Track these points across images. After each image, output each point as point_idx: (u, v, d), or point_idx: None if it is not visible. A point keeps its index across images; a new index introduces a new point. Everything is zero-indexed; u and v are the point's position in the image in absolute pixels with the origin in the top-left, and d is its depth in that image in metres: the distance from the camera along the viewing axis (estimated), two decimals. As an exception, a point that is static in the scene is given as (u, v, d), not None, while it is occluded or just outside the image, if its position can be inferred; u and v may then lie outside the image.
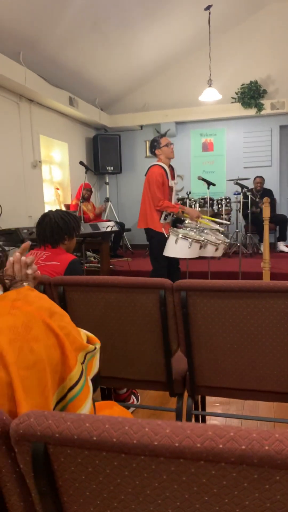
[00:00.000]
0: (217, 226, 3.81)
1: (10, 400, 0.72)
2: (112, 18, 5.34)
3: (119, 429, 0.57)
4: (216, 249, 3.59)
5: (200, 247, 3.52)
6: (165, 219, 3.92)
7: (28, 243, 1.40)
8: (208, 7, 5.78)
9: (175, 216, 4.02)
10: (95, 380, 0.99)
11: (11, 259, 1.36)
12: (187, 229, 3.54)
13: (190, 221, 3.86)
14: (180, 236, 3.46)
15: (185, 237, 3.46)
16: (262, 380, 1.75)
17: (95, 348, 0.98)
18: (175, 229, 3.66)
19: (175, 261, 4.06)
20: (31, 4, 4.47)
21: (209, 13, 5.87)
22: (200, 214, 4.06)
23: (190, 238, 3.45)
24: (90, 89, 6.92)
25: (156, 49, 6.67)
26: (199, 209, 6.54)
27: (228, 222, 4.74)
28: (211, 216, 6.36)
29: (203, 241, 3.50)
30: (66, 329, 0.86)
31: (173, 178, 4.06)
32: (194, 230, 3.52)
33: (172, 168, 4.06)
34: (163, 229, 3.85)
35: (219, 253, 3.65)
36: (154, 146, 3.98)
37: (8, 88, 5.39)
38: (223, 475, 0.56)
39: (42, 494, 0.64)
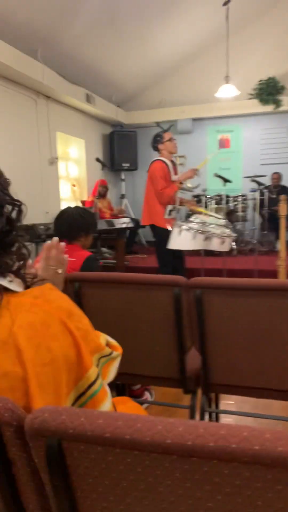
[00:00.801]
0: (220, 221, 3.72)
1: (25, 395, 0.73)
2: (129, 14, 5.33)
3: (132, 426, 0.57)
4: (223, 242, 3.53)
5: (205, 238, 3.46)
6: (169, 214, 3.91)
7: (57, 239, 1.49)
8: (226, 3, 5.71)
9: (178, 210, 3.98)
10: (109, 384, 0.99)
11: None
12: (192, 223, 3.48)
13: (195, 216, 3.81)
14: (184, 227, 3.43)
15: (189, 228, 3.42)
16: (276, 379, 1.74)
17: (112, 352, 0.97)
18: (179, 222, 3.62)
19: (180, 260, 4.05)
20: (48, 1, 4.49)
21: (228, 9, 5.80)
22: (195, 170, 4.01)
23: (193, 229, 3.41)
24: (106, 86, 6.93)
25: (173, 45, 6.63)
26: (215, 206, 6.50)
27: (222, 219, 4.69)
28: (226, 213, 6.32)
29: (207, 232, 3.45)
30: (83, 330, 0.86)
31: (175, 173, 4.05)
32: (200, 224, 3.46)
33: (174, 163, 4.05)
34: (167, 224, 3.83)
35: (225, 247, 3.58)
36: (157, 141, 3.98)
37: (26, 85, 5.43)
38: (236, 475, 0.56)
39: (56, 488, 0.64)
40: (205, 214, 3.95)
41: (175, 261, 4.00)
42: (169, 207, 3.90)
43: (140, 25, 5.67)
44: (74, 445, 0.61)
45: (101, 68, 6.33)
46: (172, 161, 4.03)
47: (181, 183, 3.92)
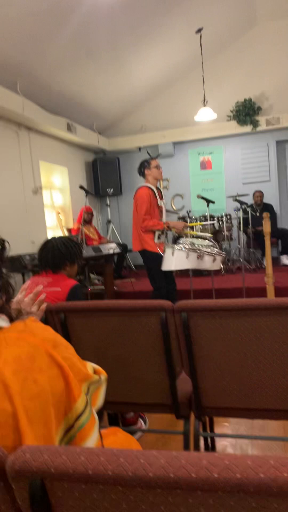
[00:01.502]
0: (207, 242, 3.79)
1: (14, 432, 0.73)
2: (104, 45, 5.47)
3: (114, 461, 0.57)
4: (214, 260, 3.56)
5: (198, 257, 3.49)
6: (159, 238, 3.95)
7: (40, 287, 1.49)
8: (199, 30, 5.91)
9: (166, 234, 4.05)
10: (98, 412, 0.98)
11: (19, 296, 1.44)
12: (181, 244, 3.52)
13: (184, 239, 3.86)
14: (176, 247, 3.46)
15: (181, 248, 3.45)
16: (269, 399, 1.73)
17: (100, 378, 0.97)
18: (170, 244, 3.64)
19: (171, 282, 4.08)
20: (24, 34, 4.60)
21: (200, 36, 6.00)
22: (186, 224, 4.12)
23: (186, 248, 3.43)
24: (87, 114, 7.05)
25: (150, 72, 6.80)
26: (201, 226, 6.57)
27: (210, 235, 4.73)
28: (212, 233, 6.38)
29: (199, 250, 3.48)
30: (70, 360, 0.86)
31: (161, 197, 4.11)
32: (189, 245, 3.51)
33: (158, 189, 4.13)
34: (157, 248, 3.87)
35: (217, 265, 3.62)
36: (144, 166, 4.06)
37: (7, 117, 5.50)
38: (221, 504, 0.56)
39: (41, 530, 0.63)
40: (193, 236, 4.01)
41: (167, 284, 4.02)
42: (157, 231, 3.93)
43: (115, 55, 5.82)
44: (57, 484, 0.61)
45: (80, 97, 6.45)
46: (157, 188, 4.09)
47: (168, 227, 3.97)
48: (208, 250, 3.54)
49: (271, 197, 7.35)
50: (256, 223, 6.47)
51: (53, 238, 2.31)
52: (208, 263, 3.56)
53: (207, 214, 5.66)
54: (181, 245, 3.46)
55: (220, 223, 6.63)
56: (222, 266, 6.22)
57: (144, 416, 2.50)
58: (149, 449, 1.66)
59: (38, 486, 0.60)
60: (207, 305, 1.66)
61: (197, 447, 1.86)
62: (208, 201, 5.10)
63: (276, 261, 6.45)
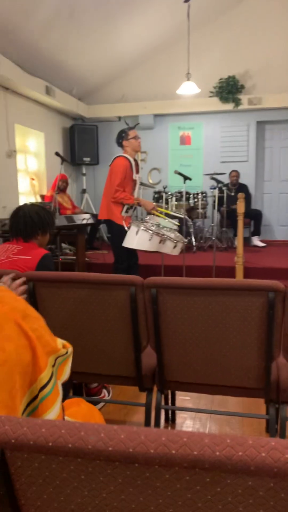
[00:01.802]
0: (173, 226, 3.81)
1: None
2: (90, 9, 5.26)
3: (75, 435, 0.57)
4: (175, 246, 3.58)
5: (160, 241, 3.50)
6: (126, 212, 3.93)
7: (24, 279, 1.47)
8: (187, 0, 5.75)
9: (134, 208, 4.02)
10: (65, 386, 0.99)
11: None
12: (147, 224, 3.52)
13: (149, 217, 3.85)
14: (142, 227, 3.45)
15: (146, 229, 3.45)
16: (230, 376, 1.79)
17: (67, 352, 0.98)
18: (137, 221, 3.62)
19: (134, 257, 4.09)
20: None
21: (189, 6, 5.84)
22: (155, 206, 4.08)
23: (151, 230, 3.43)
24: (67, 79, 6.82)
25: (135, 41, 6.61)
26: (176, 202, 6.56)
27: (181, 216, 4.72)
28: (186, 210, 6.39)
29: (163, 235, 3.49)
30: (38, 331, 0.86)
31: (137, 171, 4.06)
32: (154, 226, 3.51)
33: (136, 162, 4.06)
34: (123, 221, 3.85)
35: (176, 251, 3.65)
36: (122, 137, 3.98)
37: (-17, 75, 5.26)
38: (176, 479, 0.58)
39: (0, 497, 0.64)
40: (161, 217, 4.00)
41: (129, 258, 4.02)
42: (127, 205, 3.91)
43: (100, 19, 5.61)
44: (17, 454, 0.61)
45: (61, 60, 6.23)
46: (135, 160, 4.02)
47: (138, 204, 3.94)
48: (172, 235, 3.54)
49: (247, 178, 7.39)
50: (230, 203, 6.51)
51: (25, 205, 2.26)
52: (168, 248, 3.58)
53: (183, 190, 5.65)
54: (147, 225, 3.44)
55: (195, 200, 6.64)
56: (193, 243, 6.29)
57: (108, 387, 2.54)
58: (111, 419, 1.70)
59: (-2, 456, 0.60)
60: (176, 282, 1.67)
61: (158, 419, 1.91)
62: (185, 178, 5.08)
63: (247, 242, 6.55)
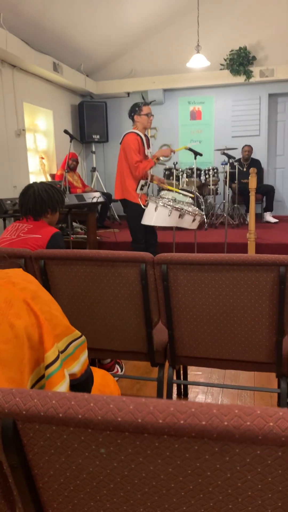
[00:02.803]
0: (189, 199, 3.77)
1: None
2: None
3: (85, 406, 0.58)
4: (193, 220, 3.55)
5: (179, 216, 3.47)
6: (141, 189, 3.88)
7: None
8: None
9: (148, 184, 3.97)
10: (88, 380, 0.98)
11: None
12: (164, 199, 3.49)
13: (167, 193, 3.80)
14: (160, 203, 3.42)
15: (165, 205, 3.42)
16: (241, 351, 1.80)
17: (82, 335, 0.97)
18: (154, 197, 3.58)
19: (153, 234, 4.06)
20: None
21: (198, -26, 5.67)
22: (172, 150, 4.03)
23: (169, 205, 3.40)
24: (75, 55, 6.71)
25: (143, 13, 6.44)
26: (187, 179, 6.49)
27: (192, 195, 4.64)
28: (197, 187, 6.33)
29: (182, 209, 3.46)
30: (48, 313, 0.86)
31: (148, 146, 4.00)
32: (171, 201, 3.47)
33: (147, 137, 4.00)
34: (139, 199, 3.81)
35: (195, 225, 3.62)
36: (135, 110, 3.89)
37: (-11, 52, 5.20)
38: (185, 448, 0.59)
39: (13, 467, 0.66)
40: (175, 191, 3.95)
41: (148, 235, 4.00)
42: (141, 182, 3.86)
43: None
44: (29, 425, 0.62)
45: (68, 36, 6.11)
46: (145, 135, 3.97)
47: (157, 159, 3.88)
48: (190, 209, 3.51)
49: (259, 152, 7.27)
50: (242, 178, 6.42)
51: (35, 184, 2.25)
52: (187, 223, 3.56)
53: (194, 166, 5.59)
54: (165, 201, 3.41)
55: (207, 176, 6.57)
56: (204, 220, 6.23)
57: (121, 362, 2.57)
58: (124, 394, 1.72)
59: (10, 426, 0.62)
60: (186, 258, 1.67)
61: (170, 394, 1.93)
62: (196, 153, 5.02)
63: (259, 218, 6.49)
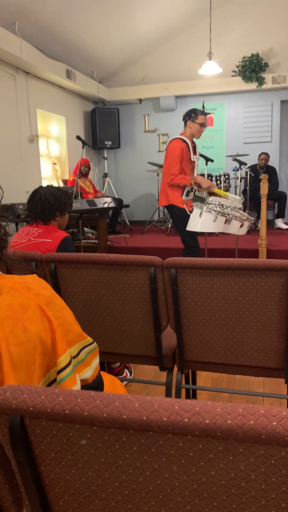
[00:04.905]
0: (238, 204, 3.65)
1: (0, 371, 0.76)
2: (110, -13, 5.20)
3: (90, 403, 0.59)
4: (241, 226, 3.44)
5: (225, 221, 3.38)
6: (187, 195, 3.79)
7: None
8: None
9: (194, 191, 3.81)
10: (99, 386, 0.99)
11: None
12: (210, 205, 3.39)
13: (213, 199, 3.58)
14: (205, 209, 3.33)
15: (210, 210, 3.33)
16: (250, 356, 1.79)
17: (93, 341, 0.98)
18: (199, 203, 3.48)
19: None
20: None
21: (210, -18, 5.71)
22: (213, 185, 3.89)
23: (215, 211, 3.30)
24: (88, 62, 6.78)
25: (155, 21, 6.50)
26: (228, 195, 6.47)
27: (238, 197, 4.56)
28: (208, 193, 6.32)
29: (228, 215, 3.36)
30: (61, 319, 0.88)
31: (195, 153, 3.95)
32: (218, 206, 3.37)
33: (194, 144, 3.96)
34: (185, 205, 3.72)
35: (243, 231, 3.51)
36: (190, 116, 3.82)
37: (4, 60, 5.28)
38: (190, 447, 0.59)
39: (20, 463, 0.67)
40: (223, 195, 3.86)
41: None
42: (187, 188, 3.79)
43: (120, 0, 5.53)
44: (36, 422, 0.63)
45: (81, 43, 6.19)
46: (192, 141, 3.91)
47: (195, 183, 3.76)
48: (237, 214, 3.40)
49: (271, 159, 7.24)
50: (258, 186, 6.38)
51: (41, 188, 2.28)
52: (235, 228, 3.45)
53: (205, 172, 5.59)
54: (210, 206, 3.32)
55: (218, 182, 6.57)
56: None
57: (130, 367, 2.58)
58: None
59: (18, 423, 0.63)
60: (195, 262, 1.67)
61: (178, 398, 1.93)
62: (207, 159, 5.03)
63: (271, 224, 6.46)
